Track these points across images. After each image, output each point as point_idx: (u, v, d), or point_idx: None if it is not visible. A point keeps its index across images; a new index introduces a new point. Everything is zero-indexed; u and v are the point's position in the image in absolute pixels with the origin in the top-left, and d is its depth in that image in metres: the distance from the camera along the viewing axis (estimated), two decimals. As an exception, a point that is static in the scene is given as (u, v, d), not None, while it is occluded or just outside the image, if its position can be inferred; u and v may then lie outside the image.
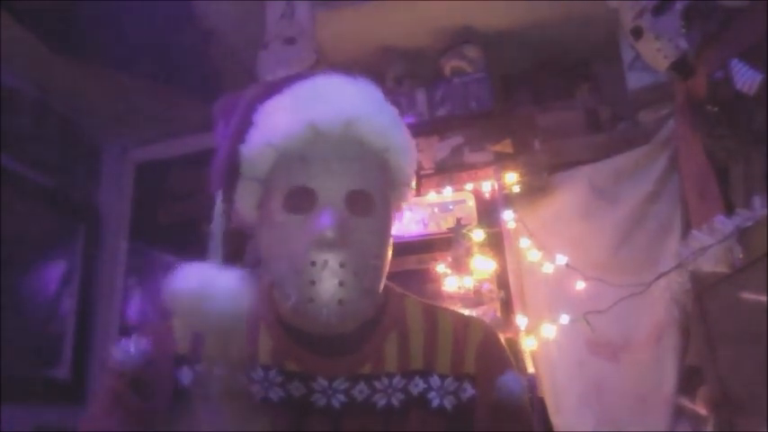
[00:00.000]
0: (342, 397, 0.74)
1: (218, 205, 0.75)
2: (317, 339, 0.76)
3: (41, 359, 2.20)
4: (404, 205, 0.83)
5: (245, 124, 0.74)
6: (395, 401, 0.75)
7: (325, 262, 0.68)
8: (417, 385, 0.76)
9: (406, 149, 0.77)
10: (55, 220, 2.33)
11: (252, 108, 0.75)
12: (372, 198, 0.72)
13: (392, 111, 0.78)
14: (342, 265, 0.68)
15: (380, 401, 0.75)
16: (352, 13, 2.11)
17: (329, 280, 0.68)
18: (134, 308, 2.54)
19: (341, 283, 0.68)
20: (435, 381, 0.77)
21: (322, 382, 0.74)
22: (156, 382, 0.74)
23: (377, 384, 0.75)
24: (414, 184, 0.82)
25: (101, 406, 0.75)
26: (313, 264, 0.68)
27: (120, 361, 0.72)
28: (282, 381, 0.75)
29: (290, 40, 1.99)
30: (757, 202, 1.25)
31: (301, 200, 0.70)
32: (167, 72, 2.18)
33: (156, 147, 2.65)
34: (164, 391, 0.74)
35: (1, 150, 2.03)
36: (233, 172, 0.75)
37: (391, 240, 0.78)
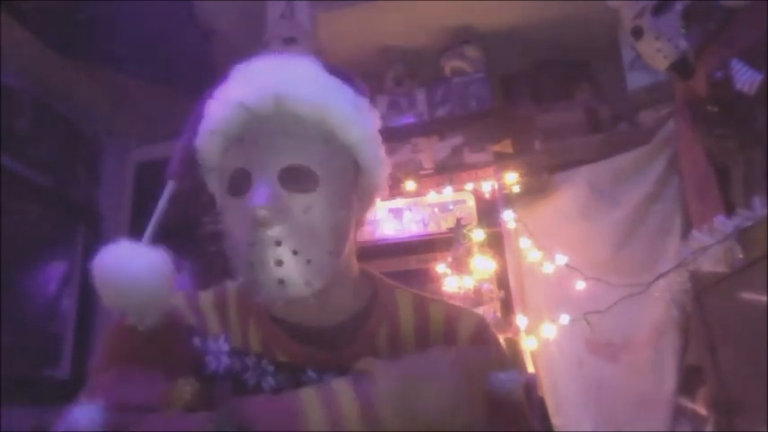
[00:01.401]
0: None
1: (168, 188, 0.76)
2: (306, 331, 0.75)
3: (41, 359, 2.20)
4: (377, 186, 0.79)
5: (199, 117, 0.74)
6: None
7: (261, 240, 0.65)
8: None
9: (348, 117, 0.73)
10: (55, 220, 2.33)
11: (204, 101, 0.75)
12: (313, 173, 0.69)
13: (330, 82, 0.74)
14: (278, 243, 0.65)
15: None
16: (352, 13, 2.11)
17: (266, 259, 0.65)
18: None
19: (278, 262, 0.65)
20: None
21: (311, 374, 0.73)
22: (171, 339, 0.72)
23: None
24: (381, 152, 0.78)
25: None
26: (251, 244, 0.66)
27: (134, 318, 0.69)
28: (273, 370, 0.73)
29: (290, 40, 1.99)
30: (757, 202, 1.25)
31: (239, 182, 0.69)
32: (167, 72, 2.18)
33: (156, 147, 2.65)
34: (180, 359, 0.72)
35: (1, 150, 2.03)
36: (188, 162, 0.75)
37: (349, 216, 0.74)
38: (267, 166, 0.68)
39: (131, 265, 0.66)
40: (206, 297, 0.80)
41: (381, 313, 0.78)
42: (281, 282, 0.66)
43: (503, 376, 0.71)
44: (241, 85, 0.72)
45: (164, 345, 0.71)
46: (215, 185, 0.76)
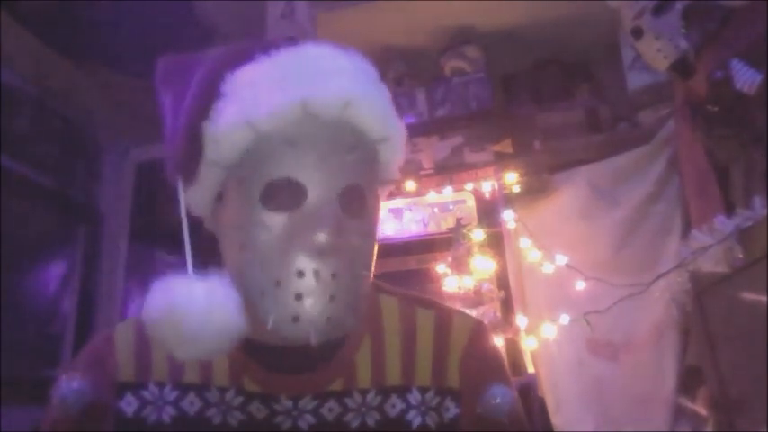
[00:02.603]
0: (310, 417, 0.65)
1: (182, 196, 0.63)
2: (279, 353, 0.65)
3: (41, 359, 2.20)
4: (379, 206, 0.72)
5: (210, 96, 0.60)
6: (370, 422, 0.65)
7: (317, 272, 0.56)
8: (395, 406, 0.66)
9: (400, 143, 0.67)
10: (55, 220, 2.33)
11: (219, 76, 0.61)
12: (365, 196, 0.61)
13: (389, 98, 0.66)
14: (334, 276, 0.57)
15: (354, 422, 0.65)
16: (352, 13, 2.11)
17: (320, 294, 0.56)
18: (134, 308, 2.54)
19: (332, 298, 0.57)
20: (415, 396, 0.67)
21: (285, 402, 0.65)
22: (99, 420, 0.66)
23: (348, 402, 0.66)
24: (394, 184, 0.72)
25: None
26: (300, 274, 0.56)
27: (60, 406, 0.63)
28: (242, 402, 0.65)
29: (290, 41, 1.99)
30: (757, 202, 1.25)
31: (285, 195, 0.58)
32: (167, 72, 2.18)
33: (156, 147, 2.64)
34: (107, 423, 0.66)
35: (1, 150, 2.03)
36: (194, 154, 0.61)
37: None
38: (329, 184, 0.58)
39: (188, 306, 0.55)
40: None
41: (363, 324, 0.68)
42: (330, 319, 0.57)
43: (497, 394, 0.66)
44: (300, 77, 0.60)
45: (91, 420, 0.65)
46: (210, 179, 0.63)
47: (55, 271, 2.31)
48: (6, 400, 1.89)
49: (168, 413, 0.66)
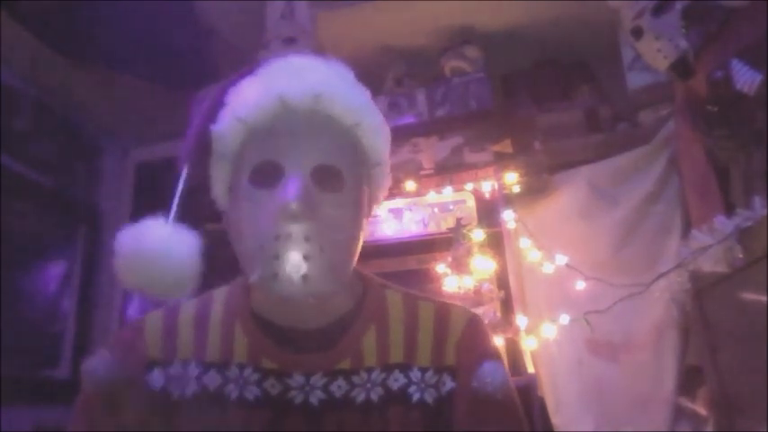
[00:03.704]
0: (320, 393, 0.72)
1: (184, 172, 0.75)
2: (293, 334, 0.75)
3: (41, 359, 2.20)
4: (381, 194, 0.82)
5: (218, 105, 0.74)
6: (374, 396, 0.73)
7: (289, 235, 0.65)
8: (397, 380, 0.74)
9: (377, 129, 0.76)
10: (55, 220, 2.33)
11: (224, 90, 0.75)
12: (341, 174, 0.70)
13: (363, 91, 0.77)
14: (307, 239, 0.66)
15: (359, 397, 0.73)
16: (352, 13, 2.11)
17: (293, 253, 0.65)
18: (134, 308, 2.54)
19: (306, 257, 0.66)
20: (416, 374, 0.75)
21: (298, 378, 0.73)
22: (128, 392, 0.72)
23: (355, 379, 0.73)
24: (387, 169, 0.80)
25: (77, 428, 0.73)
26: (277, 237, 0.66)
27: (91, 381, 0.70)
28: (258, 378, 0.73)
29: (290, 40, 1.99)
30: (757, 202, 1.25)
31: (268, 174, 0.69)
32: (167, 72, 2.18)
33: (156, 147, 2.65)
34: (137, 399, 0.73)
35: (1, 150, 2.03)
36: (202, 148, 0.74)
37: (364, 223, 0.75)
38: (301, 162, 0.69)
39: (159, 242, 0.67)
40: (186, 310, 0.79)
41: (370, 313, 0.78)
42: (305, 277, 0.66)
43: (489, 371, 0.72)
44: (278, 78, 0.72)
45: (120, 398, 0.71)
46: (223, 173, 0.75)
47: (55, 271, 2.31)
48: (6, 400, 1.89)
49: (191, 388, 0.73)
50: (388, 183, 0.82)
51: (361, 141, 0.75)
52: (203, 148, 0.74)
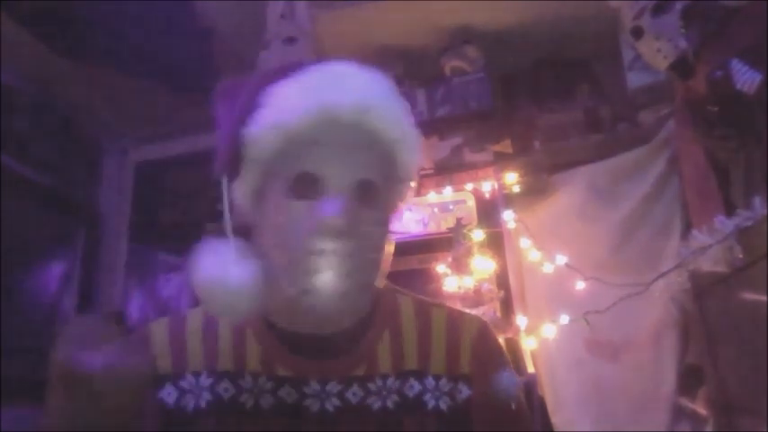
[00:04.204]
0: (335, 400, 0.72)
1: (225, 189, 0.71)
2: (308, 341, 0.74)
3: (41, 359, 2.20)
4: (402, 204, 0.80)
5: (251, 106, 0.70)
6: (390, 404, 0.73)
7: (332, 251, 0.64)
8: (413, 387, 0.74)
9: (414, 145, 0.75)
10: (55, 220, 2.33)
11: (258, 90, 0.71)
12: (378, 190, 0.69)
13: (403, 103, 0.76)
14: (348, 256, 0.65)
15: (375, 404, 0.72)
16: (352, 13, 2.11)
17: (334, 270, 0.65)
18: (134, 308, 2.54)
19: (347, 275, 0.65)
20: (430, 382, 0.75)
21: (314, 385, 0.72)
22: (136, 406, 0.67)
23: (371, 386, 0.73)
24: (414, 182, 0.79)
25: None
26: (313, 252, 0.64)
27: (91, 376, 0.63)
28: (273, 387, 0.72)
29: (290, 40, 1.99)
30: (757, 202, 1.25)
31: (308, 186, 0.67)
32: (167, 72, 2.18)
33: (156, 147, 2.65)
34: (150, 417, 0.70)
35: (1, 150, 2.03)
36: (236, 154, 0.71)
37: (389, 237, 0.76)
38: (344, 177, 0.67)
39: (233, 274, 0.65)
40: (194, 320, 0.77)
41: (383, 319, 0.78)
42: (343, 296, 0.66)
43: (505, 379, 0.74)
44: (323, 87, 0.69)
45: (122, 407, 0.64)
46: (250, 176, 0.72)
47: (55, 271, 2.31)
48: (6, 400, 1.89)
49: (205, 399, 0.72)
50: (410, 196, 0.81)
51: (396, 157, 0.73)
52: (237, 152, 0.71)
